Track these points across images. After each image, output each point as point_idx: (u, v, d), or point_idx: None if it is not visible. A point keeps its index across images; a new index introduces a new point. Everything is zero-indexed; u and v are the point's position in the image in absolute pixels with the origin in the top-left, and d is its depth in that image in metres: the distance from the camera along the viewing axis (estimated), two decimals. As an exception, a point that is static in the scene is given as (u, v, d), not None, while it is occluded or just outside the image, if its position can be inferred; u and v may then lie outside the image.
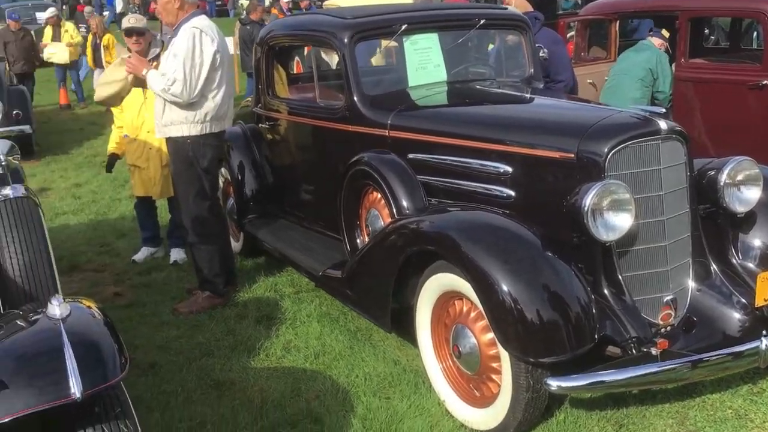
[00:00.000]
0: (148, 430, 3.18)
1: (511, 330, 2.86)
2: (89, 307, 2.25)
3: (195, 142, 4.29)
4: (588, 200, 2.94)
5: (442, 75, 4.37)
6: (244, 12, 13.28)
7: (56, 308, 2.04)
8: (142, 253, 5.56)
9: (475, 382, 3.22)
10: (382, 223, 3.85)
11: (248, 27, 11.52)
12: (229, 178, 5.33)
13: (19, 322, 2.10)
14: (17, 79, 11.79)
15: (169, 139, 4.37)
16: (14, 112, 9.10)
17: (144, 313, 4.56)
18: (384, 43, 4.69)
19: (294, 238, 4.84)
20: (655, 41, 6.49)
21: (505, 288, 2.85)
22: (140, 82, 4.44)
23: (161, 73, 4.20)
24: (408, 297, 3.50)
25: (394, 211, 3.69)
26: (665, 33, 6.53)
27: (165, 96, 4.18)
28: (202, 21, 4.24)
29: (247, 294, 4.77)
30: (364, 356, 3.86)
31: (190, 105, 4.20)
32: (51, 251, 2.82)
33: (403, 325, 3.63)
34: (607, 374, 2.90)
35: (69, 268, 5.45)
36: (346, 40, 4.17)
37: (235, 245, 5.43)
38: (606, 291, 3.05)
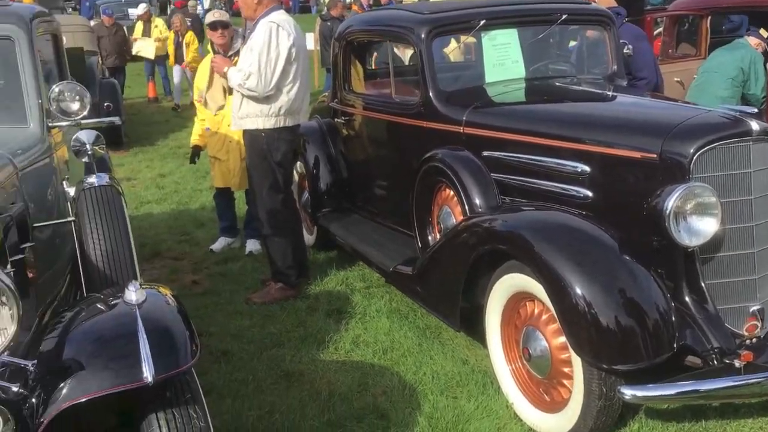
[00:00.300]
0: (219, 416, 3.27)
1: (584, 335, 2.77)
2: (164, 294, 2.31)
3: (269, 135, 4.36)
4: (670, 203, 2.82)
5: (520, 71, 4.29)
6: (325, 8, 13.42)
7: (133, 294, 2.11)
8: (220, 243, 5.70)
9: (545, 386, 3.15)
10: (454, 220, 3.82)
11: (329, 23, 11.65)
12: (305, 171, 5.40)
13: (98, 306, 2.18)
14: (109, 72, 12.32)
15: (245, 132, 4.47)
16: (105, 104, 9.50)
17: (219, 302, 4.68)
18: (462, 38, 4.63)
19: (366, 233, 4.85)
20: (752, 40, 6.16)
21: (578, 291, 2.77)
22: (224, 81, 4.59)
23: (238, 69, 4.30)
24: (478, 296, 3.45)
25: (467, 208, 3.65)
26: (763, 33, 6.19)
27: (242, 90, 4.28)
28: (280, 16, 4.30)
29: (318, 287, 4.82)
30: (432, 354, 3.83)
31: (264, 98, 4.27)
32: (131, 238, 2.92)
33: (472, 324, 3.59)
34: (685, 385, 2.78)
35: (151, 254, 5.65)
36: (423, 36, 4.15)
37: (309, 238, 5.50)
38: (687, 298, 2.93)
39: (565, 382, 3.00)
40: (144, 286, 2.22)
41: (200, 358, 2.09)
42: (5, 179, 2.84)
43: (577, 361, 2.87)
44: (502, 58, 4.25)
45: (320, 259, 5.34)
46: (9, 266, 2.55)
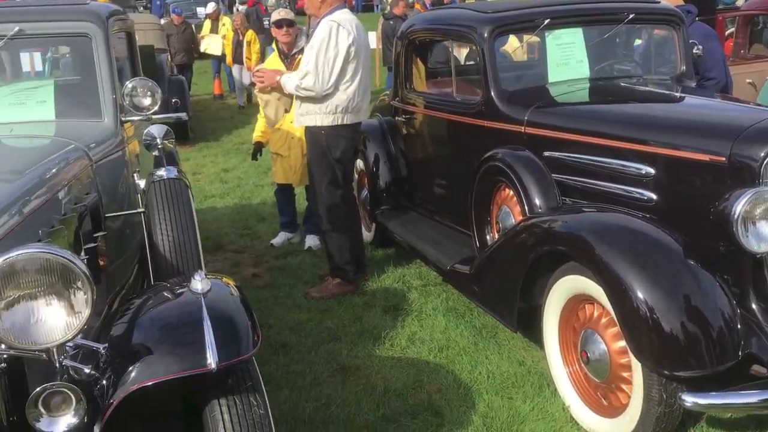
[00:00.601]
0: (277, 406, 3.34)
1: (645, 339, 2.73)
2: (228, 284, 2.38)
3: (329, 132, 4.42)
4: (739, 207, 2.75)
5: (584, 71, 4.23)
6: (388, 7, 13.47)
7: (199, 283, 2.18)
8: (280, 238, 5.81)
9: (602, 390, 3.10)
10: (513, 220, 3.80)
11: (391, 22, 11.69)
12: (364, 169, 5.45)
13: (165, 294, 2.27)
14: (177, 69, 12.65)
15: (306, 129, 4.55)
16: (173, 100, 9.79)
17: (278, 295, 4.77)
18: (525, 37, 4.59)
19: (424, 231, 4.87)
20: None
21: (640, 295, 2.73)
22: (280, 89, 4.63)
23: (295, 73, 4.36)
24: (536, 297, 3.43)
25: (526, 209, 3.62)
26: None
27: (299, 92, 4.34)
28: (342, 15, 4.35)
29: (375, 283, 4.86)
30: (488, 354, 3.83)
31: (323, 97, 4.33)
32: (197, 230, 3.01)
33: (529, 325, 3.56)
34: (750, 395, 2.70)
35: (214, 247, 5.80)
36: (486, 35, 4.13)
37: (367, 235, 5.56)
38: (754, 306, 2.84)
39: (624, 386, 2.96)
40: (209, 277, 2.28)
41: (261, 348, 2.14)
42: (81, 171, 2.97)
43: (636, 366, 2.82)
44: (566, 58, 4.20)
45: (378, 256, 5.38)
46: (83, 254, 2.67)
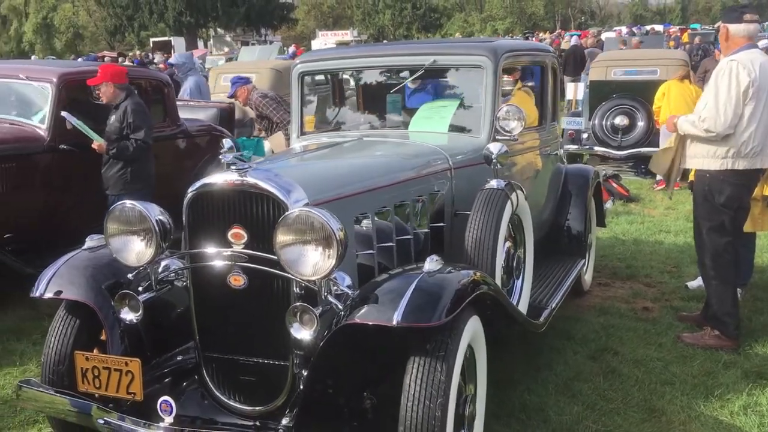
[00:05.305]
0: (562, 416, 3.58)
1: None
2: (473, 277, 2.80)
3: (713, 176, 4.20)
4: None
5: None
6: None
7: (428, 264, 2.72)
8: (697, 282, 5.54)
9: None
10: None
11: None
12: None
13: (411, 269, 2.84)
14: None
15: (695, 171, 4.40)
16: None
17: (650, 330, 4.71)
18: None
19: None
20: None
21: None
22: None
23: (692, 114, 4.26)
24: None
25: None
26: None
27: (699, 133, 4.18)
28: (745, 55, 4.09)
29: (764, 348, 4.36)
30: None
31: (716, 140, 4.13)
32: (501, 234, 3.42)
33: None
34: None
35: (626, 276, 5.93)
36: None
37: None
38: None
39: None
40: (453, 265, 2.79)
41: (444, 323, 2.53)
42: (436, 173, 3.73)
43: None
44: None
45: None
46: (408, 235, 3.44)
